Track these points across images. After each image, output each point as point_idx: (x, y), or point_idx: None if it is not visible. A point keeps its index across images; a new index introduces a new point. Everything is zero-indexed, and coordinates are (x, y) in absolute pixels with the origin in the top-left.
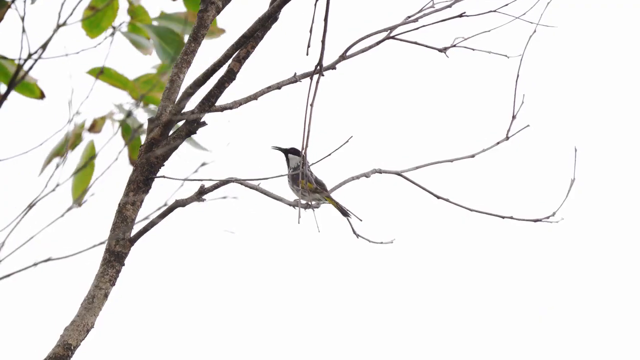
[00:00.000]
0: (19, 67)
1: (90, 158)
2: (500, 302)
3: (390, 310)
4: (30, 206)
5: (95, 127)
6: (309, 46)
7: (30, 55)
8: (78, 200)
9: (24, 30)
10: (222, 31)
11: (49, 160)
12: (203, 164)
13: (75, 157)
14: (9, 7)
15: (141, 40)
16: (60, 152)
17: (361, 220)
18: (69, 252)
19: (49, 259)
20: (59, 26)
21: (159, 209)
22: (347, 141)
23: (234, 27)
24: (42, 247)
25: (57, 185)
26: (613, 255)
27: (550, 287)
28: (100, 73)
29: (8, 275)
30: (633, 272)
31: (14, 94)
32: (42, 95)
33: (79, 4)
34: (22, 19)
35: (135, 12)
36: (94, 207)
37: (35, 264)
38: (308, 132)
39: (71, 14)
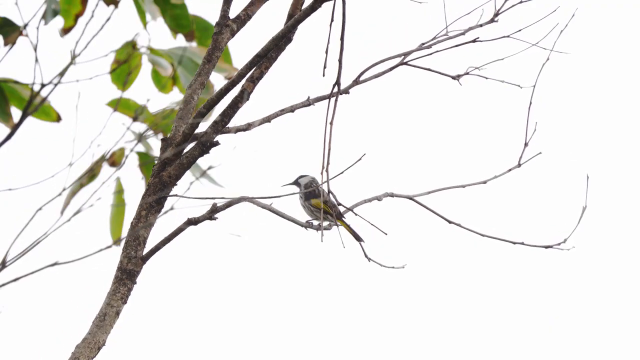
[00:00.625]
0: (36, 93)
1: (119, 199)
2: (510, 327)
3: (401, 334)
4: (43, 236)
5: (114, 159)
6: (325, 67)
7: (43, 86)
8: (117, 242)
9: (36, 60)
10: (234, 69)
11: (71, 196)
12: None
13: (93, 189)
14: (21, 33)
15: (161, 61)
16: (80, 187)
17: (386, 234)
18: (75, 257)
19: (55, 263)
20: (74, 57)
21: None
22: (360, 159)
23: (248, 47)
24: (48, 253)
25: (75, 213)
26: (623, 283)
27: (560, 313)
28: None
29: (16, 280)
30: None
31: (30, 120)
32: (58, 119)
33: (93, 38)
34: (35, 48)
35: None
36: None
37: (41, 268)
38: (329, 150)
39: (85, 47)
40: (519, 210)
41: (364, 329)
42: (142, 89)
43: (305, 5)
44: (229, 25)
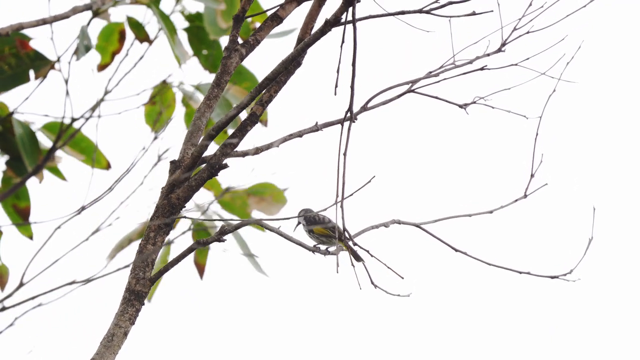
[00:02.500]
0: (66, 127)
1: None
2: (515, 357)
3: None
4: (87, 281)
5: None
6: (336, 85)
7: (74, 120)
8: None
9: (67, 94)
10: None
11: (119, 249)
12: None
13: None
14: (52, 67)
15: (193, 94)
16: (129, 242)
17: (403, 278)
18: (93, 275)
19: (73, 282)
20: (106, 92)
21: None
22: (370, 181)
23: (258, 70)
24: (67, 273)
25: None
26: (628, 316)
27: (565, 344)
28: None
29: (33, 298)
30: None
31: (76, 162)
32: (108, 166)
33: (125, 75)
34: (66, 81)
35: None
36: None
37: (59, 287)
38: (343, 182)
39: (117, 84)
40: (525, 240)
41: (369, 356)
42: (176, 131)
43: (315, 30)
44: (237, 50)
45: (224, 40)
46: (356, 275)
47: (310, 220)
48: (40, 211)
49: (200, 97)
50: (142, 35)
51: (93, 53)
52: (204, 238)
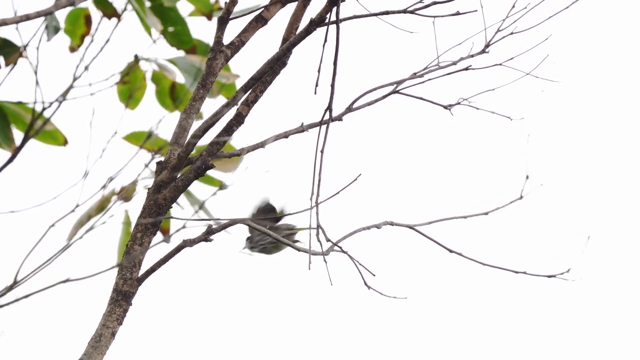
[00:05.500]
0: (38, 115)
1: (127, 231)
2: (512, 357)
3: None
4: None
5: (126, 195)
6: (317, 85)
7: (45, 108)
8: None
9: (37, 83)
10: (236, 76)
11: (79, 226)
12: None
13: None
14: (21, 54)
15: (167, 65)
16: (88, 219)
17: (374, 275)
18: (87, 274)
19: (67, 280)
20: (75, 79)
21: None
22: (356, 179)
23: (243, 71)
24: (60, 272)
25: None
26: (626, 314)
27: (563, 343)
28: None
29: (26, 296)
30: None
31: (33, 142)
32: (65, 142)
33: (93, 59)
34: (35, 69)
35: (158, 78)
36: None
37: (53, 285)
38: (319, 180)
39: (86, 68)
40: (521, 240)
41: (363, 358)
42: (148, 110)
43: (299, 30)
44: (223, 51)
45: (188, 18)
46: (328, 272)
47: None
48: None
49: (174, 69)
50: (109, 10)
51: (62, 36)
52: (190, 238)
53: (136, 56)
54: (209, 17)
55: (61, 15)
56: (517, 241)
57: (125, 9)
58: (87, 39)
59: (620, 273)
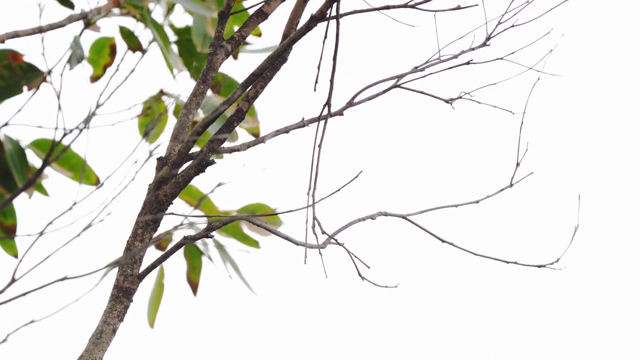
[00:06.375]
0: (58, 142)
1: (159, 283)
2: (503, 347)
3: (393, 353)
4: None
5: (160, 244)
6: (316, 82)
7: (65, 134)
8: (152, 324)
9: (60, 108)
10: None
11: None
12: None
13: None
14: (45, 79)
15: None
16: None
17: (369, 267)
18: (85, 272)
19: (65, 278)
20: (97, 106)
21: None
22: (356, 177)
23: (243, 67)
24: (59, 270)
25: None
26: (615, 303)
27: (553, 333)
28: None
29: (24, 294)
30: (635, 320)
31: (63, 178)
32: (97, 182)
33: (117, 88)
34: (58, 95)
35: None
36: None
37: (51, 283)
38: (316, 173)
39: (109, 97)
40: (512, 229)
41: (356, 348)
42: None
43: (300, 25)
44: (223, 46)
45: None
46: (323, 265)
47: None
48: (26, 227)
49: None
50: (134, 44)
51: (85, 65)
52: (191, 235)
53: (161, 91)
54: (235, 57)
55: (86, 42)
56: (508, 229)
57: (149, 46)
58: (112, 69)
59: (610, 263)
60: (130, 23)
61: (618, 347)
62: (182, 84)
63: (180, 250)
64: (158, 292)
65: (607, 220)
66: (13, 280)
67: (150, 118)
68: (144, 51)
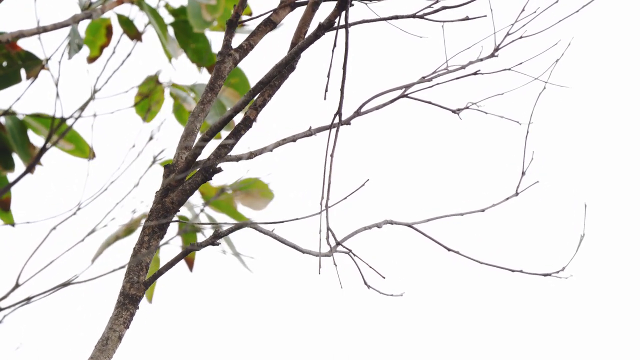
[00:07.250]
0: (55, 127)
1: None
2: (508, 355)
3: None
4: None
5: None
6: (326, 90)
7: (63, 120)
8: (150, 299)
9: (57, 96)
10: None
11: (105, 247)
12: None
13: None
14: (43, 67)
15: (185, 95)
16: (116, 239)
17: (384, 277)
18: (90, 276)
19: (68, 283)
20: (94, 92)
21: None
22: (364, 184)
23: (251, 75)
24: (63, 275)
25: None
26: (621, 313)
27: (559, 341)
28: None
29: (28, 299)
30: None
31: (58, 153)
32: (93, 156)
33: (113, 73)
34: (56, 82)
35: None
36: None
37: (54, 288)
38: (329, 184)
39: (106, 82)
40: (517, 238)
41: (361, 356)
42: (165, 124)
43: (308, 34)
44: (231, 55)
45: (209, 33)
46: (337, 274)
47: None
48: (29, 210)
49: (189, 98)
50: (132, 31)
51: (84, 50)
52: (197, 242)
53: (157, 81)
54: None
55: (82, 25)
56: (513, 238)
57: (144, 31)
58: (108, 51)
59: (616, 272)
60: (126, 9)
61: (623, 355)
62: (180, 68)
63: (176, 228)
64: (154, 267)
65: (613, 229)
66: (17, 285)
67: (146, 101)
68: (141, 38)
